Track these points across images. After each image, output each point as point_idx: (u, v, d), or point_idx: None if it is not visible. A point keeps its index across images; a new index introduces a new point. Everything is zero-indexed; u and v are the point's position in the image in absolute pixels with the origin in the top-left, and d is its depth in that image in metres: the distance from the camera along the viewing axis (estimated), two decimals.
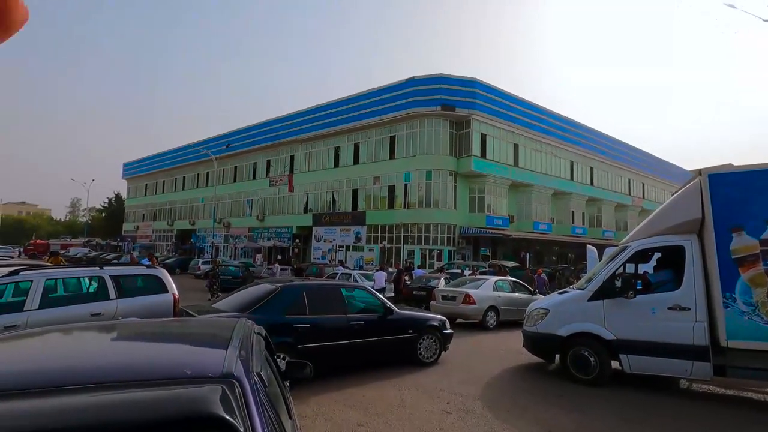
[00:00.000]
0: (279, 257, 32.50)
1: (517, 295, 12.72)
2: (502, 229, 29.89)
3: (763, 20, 17.67)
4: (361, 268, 25.68)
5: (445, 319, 7.82)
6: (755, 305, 5.53)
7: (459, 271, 20.00)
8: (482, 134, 29.82)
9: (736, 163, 6.32)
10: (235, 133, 43.68)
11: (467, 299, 11.71)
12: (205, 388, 1.29)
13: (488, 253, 30.28)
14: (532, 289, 14.01)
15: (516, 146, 32.31)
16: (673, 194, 7.16)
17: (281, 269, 21.69)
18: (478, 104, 29.32)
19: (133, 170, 62.43)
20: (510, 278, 14.32)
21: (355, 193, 33.31)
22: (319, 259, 32.31)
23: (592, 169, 39.25)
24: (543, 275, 18.33)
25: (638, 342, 6.23)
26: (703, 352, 5.82)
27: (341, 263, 25.37)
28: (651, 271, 7.20)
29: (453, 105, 28.86)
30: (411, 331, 7.15)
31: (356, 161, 33.52)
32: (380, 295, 7.41)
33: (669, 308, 6.10)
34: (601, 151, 39.59)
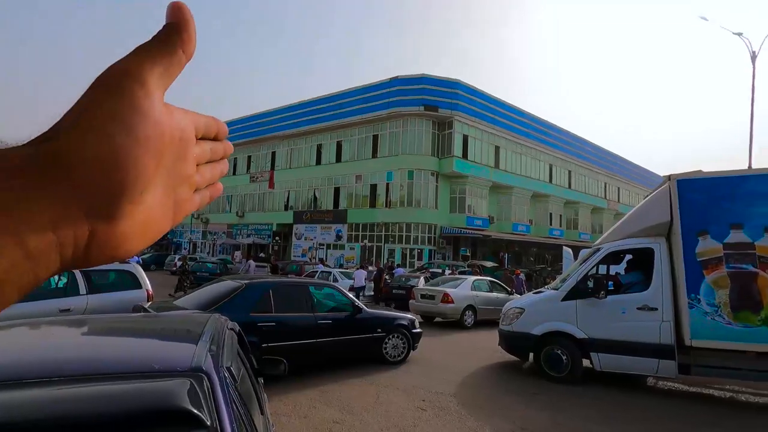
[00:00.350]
0: (261, 254, 32.07)
1: (494, 294, 12.92)
2: (482, 230, 30.28)
3: (734, 33, 18.42)
4: (341, 266, 25.64)
5: (414, 318, 7.80)
6: (718, 306, 5.78)
7: (440, 270, 20.18)
8: (464, 135, 30.12)
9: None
10: None
11: (446, 298, 11.83)
12: (172, 382, 1.28)
13: (468, 253, 30.61)
14: (510, 289, 14.25)
15: (497, 148, 32.76)
16: (645, 198, 7.41)
17: (257, 266, 21.20)
18: (461, 105, 29.60)
19: None
20: (488, 278, 14.53)
21: (336, 191, 33.18)
22: (299, 256, 32.07)
23: (570, 172, 40.11)
24: (522, 275, 18.65)
25: (608, 341, 6.42)
26: (669, 351, 6.04)
27: (321, 261, 25.25)
28: (622, 272, 7.43)
29: (436, 105, 29.06)
30: (379, 330, 7.12)
31: (338, 159, 33.38)
32: (349, 294, 7.33)
33: (638, 308, 6.31)
34: (578, 155, 40.50)
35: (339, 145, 33.44)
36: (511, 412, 5.35)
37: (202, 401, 1.25)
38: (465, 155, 29.98)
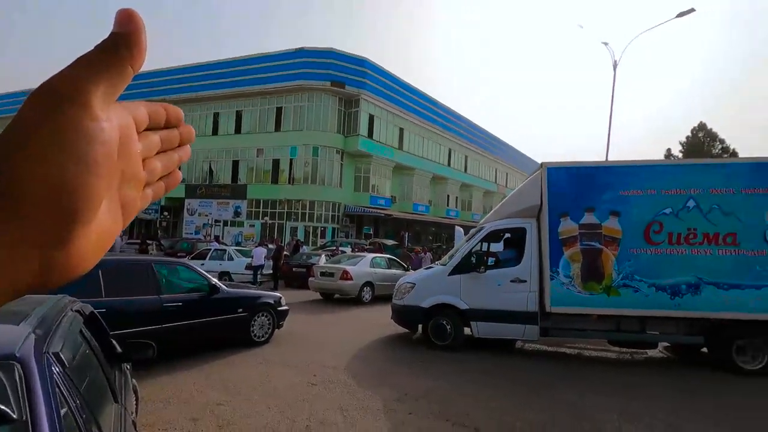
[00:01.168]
0: (159, 232, 28.89)
1: (391, 271, 13.43)
2: (385, 209, 31.15)
3: (603, 43, 21.09)
4: (238, 244, 24.40)
5: (280, 296, 7.54)
6: (572, 277, 6.74)
7: (349, 248, 20.33)
8: (370, 115, 30.31)
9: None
10: None
11: (345, 275, 11.99)
12: None
13: (371, 232, 31.34)
14: (406, 266, 14.96)
15: (402, 130, 33.63)
16: (522, 183, 8.24)
17: (127, 244, 19.01)
18: (368, 84, 29.62)
19: None
20: (387, 255, 15.05)
21: (235, 164, 31.24)
22: (192, 234, 29.72)
23: (466, 157, 42.99)
24: (429, 254, 19.55)
25: (486, 310, 7.12)
26: (534, 317, 6.92)
27: (217, 239, 23.74)
28: (501, 248, 8.24)
29: (343, 82, 28.67)
30: (241, 310, 6.71)
31: (238, 130, 31.32)
32: (205, 273, 6.72)
33: (511, 281, 7.08)
34: (475, 141, 43.54)
35: (239, 115, 31.33)
36: (399, 381, 5.66)
37: (10, 392, 1.07)
38: (370, 135, 30.26)
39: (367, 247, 21.51)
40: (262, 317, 7.05)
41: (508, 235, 8.03)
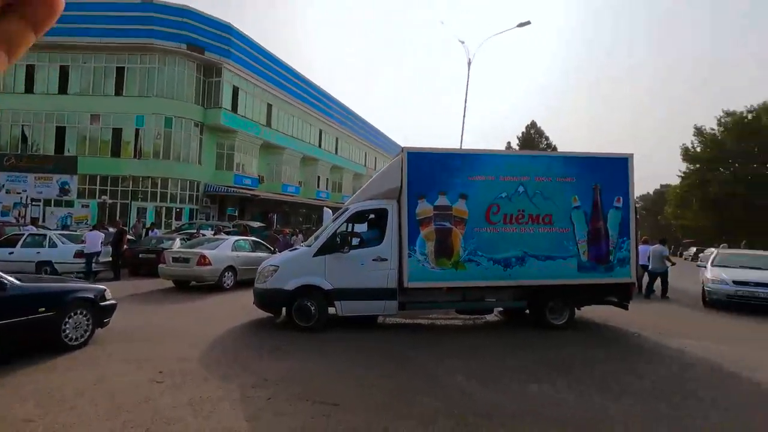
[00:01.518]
0: None
1: (256, 254, 12.84)
2: (251, 189, 29.47)
3: (460, 41, 23.11)
4: (66, 227, 20.45)
5: (103, 289, 6.43)
6: (427, 254, 7.35)
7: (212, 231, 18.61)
8: (234, 87, 28.05)
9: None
10: None
11: (202, 261, 11.04)
12: None
13: (236, 213, 29.40)
14: (273, 248, 14.47)
15: (270, 106, 31.99)
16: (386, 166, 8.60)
17: None
18: (232, 53, 27.27)
19: None
20: (251, 238, 14.33)
21: (60, 131, 25.79)
22: None
23: (337, 139, 43.20)
24: (300, 236, 19.09)
25: (349, 289, 7.31)
26: (393, 293, 7.36)
27: (34, 222, 19.48)
28: (366, 229, 8.52)
29: (202, 47, 25.81)
30: (44, 309, 5.56)
31: (63, 90, 25.81)
32: None
33: (373, 260, 7.38)
34: (346, 124, 43.96)
35: (64, 72, 25.80)
36: (259, 367, 5.45)
37: None
38: (235, 109, 28.07)
39: (228, 229, 20.11)
40: (79, 315, 5.87)
41: (372, 215, 8.33)
